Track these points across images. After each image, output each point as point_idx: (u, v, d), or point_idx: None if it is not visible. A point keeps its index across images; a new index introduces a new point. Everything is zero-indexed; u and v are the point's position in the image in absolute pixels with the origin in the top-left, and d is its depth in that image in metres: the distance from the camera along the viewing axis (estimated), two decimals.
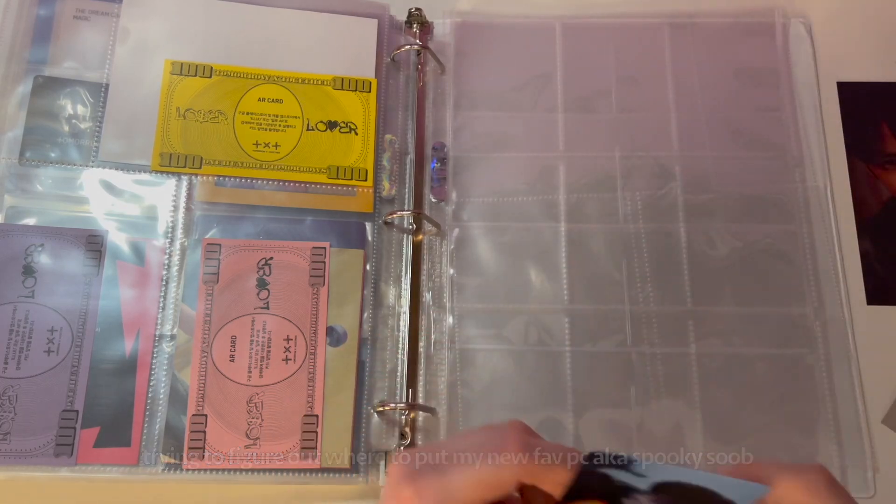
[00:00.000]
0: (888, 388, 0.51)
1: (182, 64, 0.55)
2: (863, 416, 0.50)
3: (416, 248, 0.54)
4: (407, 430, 0.50)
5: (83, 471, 0.47)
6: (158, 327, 0.50)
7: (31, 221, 0.51)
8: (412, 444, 0.50)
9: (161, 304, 0.50)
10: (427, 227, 0.54)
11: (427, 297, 0.53)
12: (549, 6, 0.60)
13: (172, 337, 0.50)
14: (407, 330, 0.52)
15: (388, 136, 0.55)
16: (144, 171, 0.53)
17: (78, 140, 0.53)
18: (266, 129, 0.54)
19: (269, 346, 0.50)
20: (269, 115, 0.54)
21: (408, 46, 0.57)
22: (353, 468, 0.49)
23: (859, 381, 0.51)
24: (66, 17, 0.55)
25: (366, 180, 0.54)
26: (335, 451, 0.48)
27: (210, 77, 0.55)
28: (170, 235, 0.52)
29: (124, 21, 0.55)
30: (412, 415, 0.50)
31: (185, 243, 0.52)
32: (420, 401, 0.51)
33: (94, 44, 0.55)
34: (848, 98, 0.57)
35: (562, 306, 0.52)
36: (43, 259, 0.50)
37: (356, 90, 0.56)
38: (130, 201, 0.52)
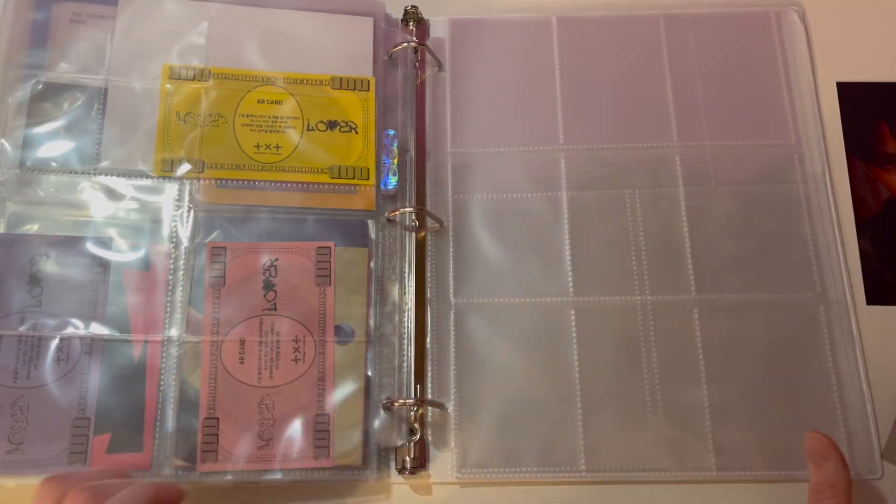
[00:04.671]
0: (889, 387, 0.51)
1: (180, 68, 0.55)
2: (868, 399, 0.51)
3: (420, 245, 0.54)
4: (416, 426, 0.50)
5: None
6: (166, 332, 0.50)
7: (33, 228, 0.51)
8: (422, 440, 0.50)
9: (168, 309, 0.50)
10: (430, 223, 0.54)
11: (432, 292, 0.53)
12: (544, 1, 0.61)
13: (181, 341, 0.50)
14: (413, 326, 0.52)
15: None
16: (146, 177, 0.52)
17: (79, 146, 0.52)
18: (266, 131, 0.54)
19: (277, 348, 0.50)
20: (269, 117, 0.54)
21: (405, 44, 0.57)
22: (365, 465, 0.49)
23: (864, 368, 0.51)
24: (63, 20, 0.54)
25: (367, 179, 0.54)
26: (347, 449, 0.49)
27: (208, 80, 0.55)
28: (174, 240, 0.52)
29: (120, 24, 0.55)
30: (421, 411, 0.50)
31: (190, 247, 0.52)
32: (429, 396, 0.51)
33: (92, 48, 0.54)
34: (848, 98, 0.58)
35: (567, 298, 0.53)
36: (49, 268, 0.50)
37: (355, 89, 0.56)
38: (133, 207, 0.52)
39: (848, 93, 0.58)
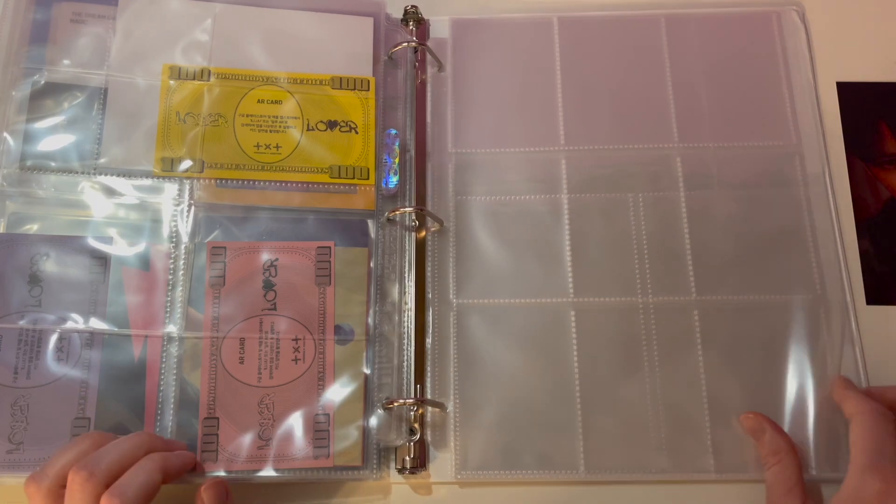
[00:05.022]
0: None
1: (180, 68, 0.55)
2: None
3: (420, 245, 0.54)
4: (416, 425, 0.50)
5: None
6: (166, 332, 0.50)
7: (33, 228, 0.51)
8: (421, 440, 0.50)
9: (168, 309, 0.50)
10: (430, 223, 0.55)
11: (432, 292, 0.53)
12: (545, 1, 0.61)
13: (181, 341, 0.50)
14: (413, 326, 0.52)
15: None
16: (146, 177, 0.52)
17: (79, 144, 0.52)
18: (266, 131, 0.54)
19: (277, 347, 0.50)
20: (269, 117, 0.54)
21: (405, 44, 0.57)
22: (365, 465, 0.49)
23: (864, 368, 0.51)
24: (63, 20, 0.54)
25: (367, 178, 0.54)
26: (346, 449, 0.49)
27: (208, 80, 0.55)
28: (174, 239, 0.52)
29: (120, 24, 0.55)
30: (420, 410, 0.50)
31: (190, 247, 0.52)
32: (429, 396, 0.51)
33: (92, 47, 0.54)
34: (847, 98, 0.58)
35: (568, 299, 0.53)
36: (49, 267, 0.50)
37: (355, 89, 0.56)
38: (133, 206, 0.52)
39: (848, 93, 0.58)
